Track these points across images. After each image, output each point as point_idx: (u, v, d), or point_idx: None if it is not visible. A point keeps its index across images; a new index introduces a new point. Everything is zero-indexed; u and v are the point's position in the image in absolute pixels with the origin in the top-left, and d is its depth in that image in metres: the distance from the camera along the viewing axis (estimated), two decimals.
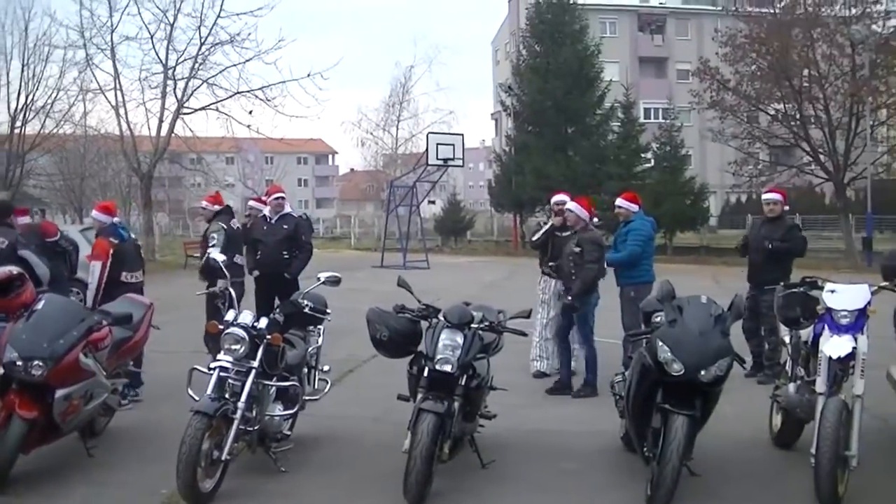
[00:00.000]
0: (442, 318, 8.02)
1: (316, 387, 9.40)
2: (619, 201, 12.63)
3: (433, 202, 63.25)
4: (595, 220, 12.33)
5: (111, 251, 11.13)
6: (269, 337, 7.83)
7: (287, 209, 12.93)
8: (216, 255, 9.32)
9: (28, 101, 36.44)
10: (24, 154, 37.45)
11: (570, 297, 11.25)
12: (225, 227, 12.17)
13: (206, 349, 11.64)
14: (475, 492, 7.90)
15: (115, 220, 11.65)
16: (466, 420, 8.02)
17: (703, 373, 7.13)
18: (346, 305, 9.71)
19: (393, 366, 9.33)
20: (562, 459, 8.84)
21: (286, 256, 12.56)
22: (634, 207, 12.43)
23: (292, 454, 8.50)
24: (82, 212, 52.66)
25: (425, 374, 7.77)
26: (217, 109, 36.41)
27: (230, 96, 35.95)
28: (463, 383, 7.75)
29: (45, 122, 37.66)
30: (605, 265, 11.85)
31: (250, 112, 36.16)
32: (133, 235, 11.80)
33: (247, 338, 7.73)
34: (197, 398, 7.58)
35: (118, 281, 11.07)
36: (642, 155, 46.42)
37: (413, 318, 8.30)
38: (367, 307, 8.80)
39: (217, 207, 12.48)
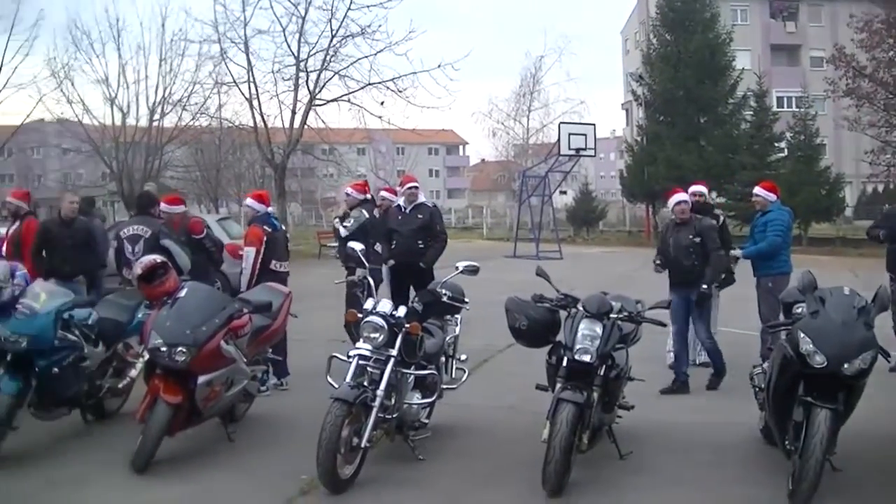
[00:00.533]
0: (581, 308, 7.96)
1: (453, 376, 9.41)
2: (756, 190, 12.35)
3: (564, 192, 62.84)
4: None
5: (264, 239, 11.34)
6: (407, 326, 7.86)
7: (421, 199, 12.95)
8: (355, 244, 9.37)
9: (166, 95, 37.35)
10: (162, 146, 38.34)
11: (704, 287, 10.92)
12: (367, 214, 12.30)
13: (349, 337, 11.83)
14: (613, 483, 7.83)
15: (269, 209, 11.85)
16: (605, 410, 7.95)
17: (846, 366, 6.94)
18: (480, 295, 9.71)
19: (528, 355, 9.32)
20: (699, 451, 8.71)
21: (421, 246, 12.57)
22: (772, 197, 12.14)
23: (429, 442, 8.55)
24: (218, 202, 53.69)
25: (564, 363, 7.73)
26: (349, 101, 36.65)
27: (361, 88, 36.15)
28: (602, 373, 7.70)
29: (181, 114, 38.55)
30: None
31: (382, 103, 36.30)
32: (285, 227, 11.98)
33: (386, 326, 7.78)
34: (336, 385, 7.66)
35: (267, 269, 11.29)
36: (776, 144, 45.35)
37: (552, 308, 8.26)
38: (500, 297, 8.78)
39: (362, 196, 12.61)
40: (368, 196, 12.86)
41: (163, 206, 11.98)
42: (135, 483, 7.81)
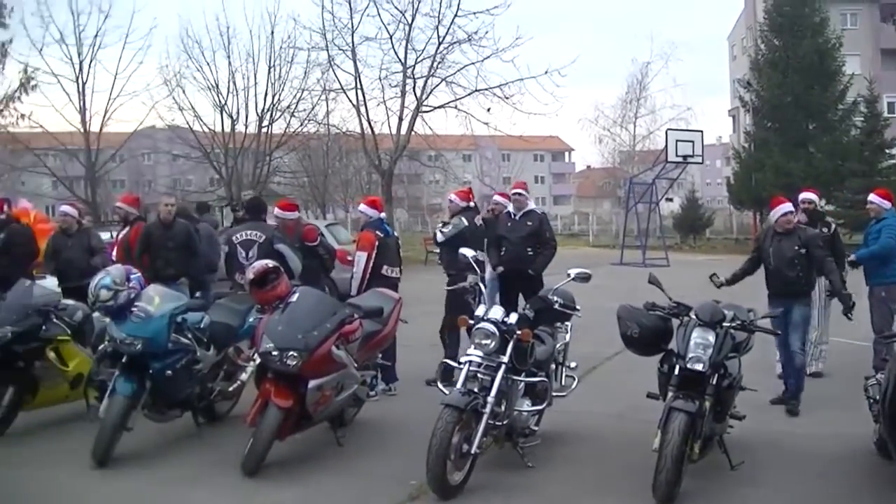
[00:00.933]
0: (693, 317, 7.86)
1: (563, 383, 9.34)
2: (871, 197, 12.06)
3: (671, 199, 62.25)
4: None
5: (376, 244, 11.41)
6: (518, 333, 7.82)
7: (530, 205, 12.88)
8: (467, 250, 9.37)
9: (274, 102, 37.79)
10: (271, 152, 38.82)
11: (846, 293, 10.47)
12: (466, 222, 12.28)
13: (442, 344, 11.87)
14: (723, 494, 7.71)
15: (382, 215, 11.92)
16: (716, 420, 7.83)
17: None
18: (588, 302, 9.62)
19: (635, 363, 9.24)
20: (811, 464, 8.54)
21: (530, 253, 12.48)
22: (887, 205, 11.84)
23: (539, 449, 8.48)
24: (325, 207, 54.19)
25: (676, 372, 7.64)
26: (456, 107, 36.72)
27: (468, 94, 36.19)
28: (714, 383, 7.58)
29: (290, 121, 38.96)
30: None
31: (488, 109, 36.28)
32: (396, 233, 12.06)
33: (497, 333, 7.75)
34: (446, 391, 7.67)
35: (378, 274, 11.36)
36: (886, 151, 44.35)
37: (664, 316, 8.17)
38: (607, 304, 8.72)
39: (464, 203, 12.59)
40: (471, 203, 12.81)
41: (277, 211, 12.11)
42: (245, 485, 7.91)
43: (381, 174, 38.83)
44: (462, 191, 12.91)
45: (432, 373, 11.72)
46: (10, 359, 9.62)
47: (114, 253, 12.87)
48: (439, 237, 12.43)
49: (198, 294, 12.61)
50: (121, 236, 12.92)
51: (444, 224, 12.57)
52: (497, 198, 14.37)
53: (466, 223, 12.26)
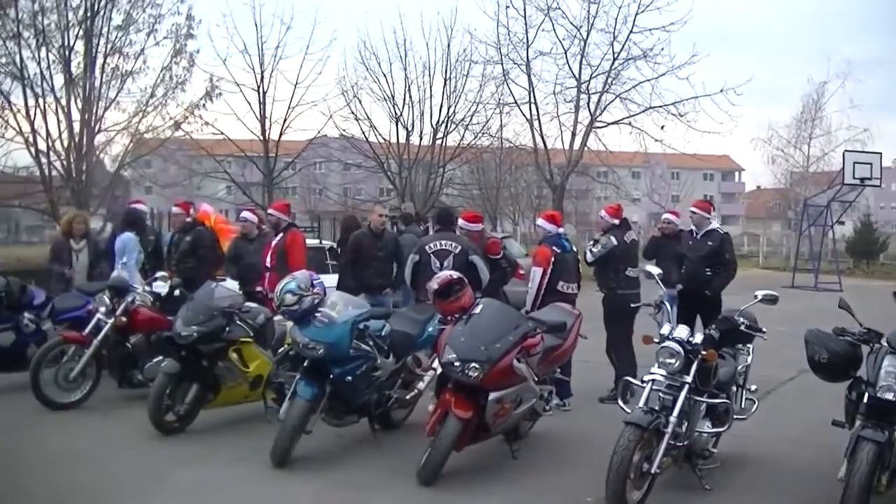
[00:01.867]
0: (885, 344, 7.56)
1: (743, 406, 9.13)
2: None
3: (842, 223, 60.52)
4: None
5: (552, 259, 11.35)
6: (703, 353, 7.66)
7: (713, 225, 12.63)
8: (652, 268, 9.25)
9: (449, 114, 37.95)
10: (444, 164, 39.06)
11: None
12: (615, 241, 12.07)
13: (611, 362, 11.73)
14: None
15: (560, 230, 11.86)
16: None
17: None
18: (761, 325, 9.36)
19: (812, 388, 9.11)
20: None
21: (708, 273, 12.26)
22: None
23: (717, 472, 8.32)
24: (496, 221, 54.32)
25: (865, 400, 7.35)
26: (630, 124, 36.50)
27: (643, 111, 35.88)
28: None
29: (464, 134, 39.12)
30: None
31: (662, 127, 35.92)
32: (574, 248, 11.98)
33: (682, 352, 7.61)
34: (628, 410, 7.55)
35: (554, 289, 11.27)
36: None
37: (854, 342, 7.88)
38: (780, 327, 8.50)
39: (614, 220, 12.38)
40: (615, 221, 12.52)
41: (462, 222, 12.13)
42: (420, 494, 7.98)
43: (552, 189, 38.76)
44: (612, 207, 12.69)
45: (604, 390, 11.66)
46: (194, 358, 9.91)
47: (267, 259, 13.03)
48: (589, 257, 12.24)
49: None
50: (274, 243, 13.04)
51: (595, 242, 12.41)
52: (668, 216, 14.16)
53: (616, 242, 12.03)
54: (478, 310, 8.51)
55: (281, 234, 12.91)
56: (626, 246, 12.12)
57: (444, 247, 11.60)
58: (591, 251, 12.22)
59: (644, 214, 76.40)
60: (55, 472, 8.71)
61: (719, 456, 8.59)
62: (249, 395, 10.36)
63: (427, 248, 11.69)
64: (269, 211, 13.99)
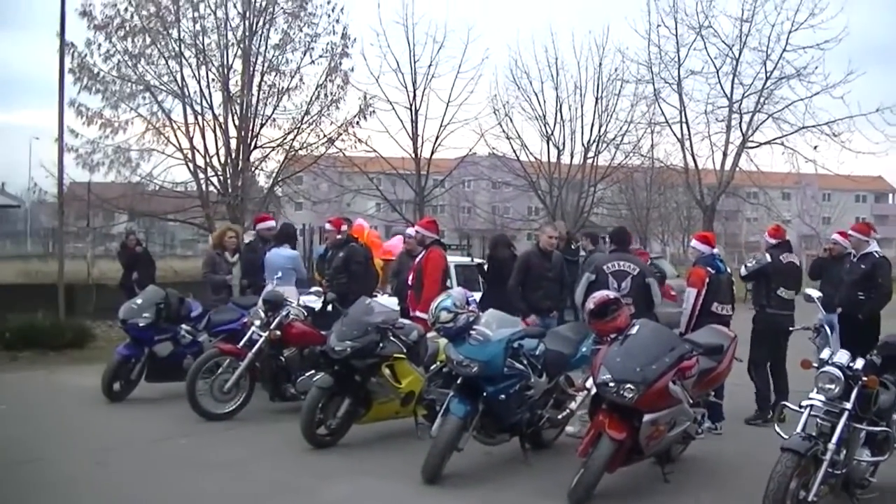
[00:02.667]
0: None
1: None
2: None
3: None
4: None
5: (707, 280, 11.17)
6: (864, 379, 7.38)
7: (871, 248, 12.26)
8: (812, 291, 8.99)
9: (600, 133, 37.74)
10: (595, 184, 38.82)
11: None
12: (770, 258, 11.87)
13: (752, 381, 11.50)
14: None
15: (714, 251, 11.70)
16: None
17: None
18: None
19: None
20: None
21: (861, 297, 11.93)
22: None
23: (875, 503, 7.96)
24: (645, 241, 53.80)
25: None
26: (782, 144, 35.76)
27: (796, 131, 35.10)
28: None
29: (615, 153, 38.86)
30: None
31: (815, 147, 35.11)
32: (728, 269, 11.77)
33: (842, 378, 7.34)
34: (784, 436, 7.32)
35: (709, 311, 11.10)
36: None
37: None
38: None
39: (774, 241, 12.15)
40: (772, 241, 12.27)
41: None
42: None
43: (702, 210, 38.21)
44: (772, 227, 12.55)
45: (751, 411, 11.39)
46: (347, 372, 9.98)
47: (409, 277, 13.05)
48: (742, 271, 12.29)
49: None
50: (417, 261, 13.02)
51: (754, 258, 12.22)
52: (836, 236, 13.89)
53: (770, 259, 11.92)
54: (634, 330, 8.39)
55: (423, 251, 12.92)
56: (780, 265, 11.94)
57: (622, 267, 11.39)
58: (745, 266, 12.27)
59: (794, 236, 74.72)
60: (207, 481, 8.90)
61: (880, 486, 8.25)
62: (401, 412, 10.40)
63: (605, 267, 11.46)
64: (415, 228, 14.04)
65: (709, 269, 11.32)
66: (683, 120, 36.50)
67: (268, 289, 12.71)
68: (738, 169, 36.56)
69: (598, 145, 37.87)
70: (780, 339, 11.70)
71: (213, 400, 11.46)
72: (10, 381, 14.31)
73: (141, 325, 12.50)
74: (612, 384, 7.92)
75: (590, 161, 38.22)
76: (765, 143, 36.34)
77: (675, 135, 37.12)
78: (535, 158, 38.55)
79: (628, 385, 7.85)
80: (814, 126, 34.79)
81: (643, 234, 53.11)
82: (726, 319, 11.12)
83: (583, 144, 37.98)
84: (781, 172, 39.31)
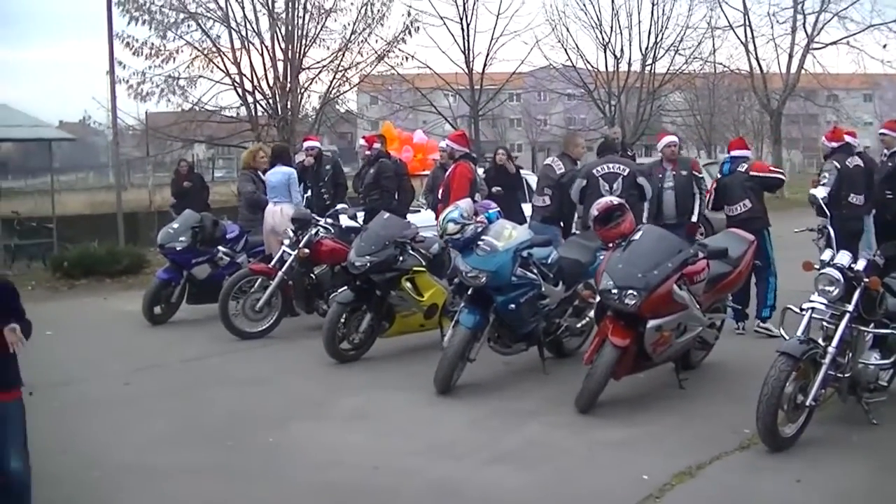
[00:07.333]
0: None
1: None
2: None
3: None
4: None
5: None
6: (866, 280, 7.28)
7: None
8: (816, 191, 8.87)
9: (658, 40, 37.16)
10: (654, 91, 38.29)
11: None
12: (838, 165, 11.48)
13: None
14: None
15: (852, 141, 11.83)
16: None
17: None
18: None
19: None
20: None
21: (889, 196, 11.55)
22: None
23: (885, 407, 7.82)
24: (712, 147, 53.12)
25: None
26: (848, 43, 35.03)
27: (863, 30, 34.36)
28: None
29: (674, 59, 38.26)
30: None
31: (885, 46, 34.30)
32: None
33: (842, 279, 7.23)
34: (787, 338, 7.27)
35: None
36: None
37: None
38: None
39: (834, 144, 11.79)
40: (841, 143, 11.88)
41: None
42: (578, 422, 7.95)
43: (769, 114, 37.68)
44: (829, 132, 12.14)
45: None
46: (368, 287, 10.09)
47: (439, 191, 13.03)
48: (821, 193, 11.30)
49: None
50: (447, 174, 12.96)
51: (825, 173, 11.75)
52: (883, 129, 13.31)
53: (838, 165, 11.39)
54: (637, 236, 8.32)
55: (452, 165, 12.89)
56: (847, 170, 11.41)
57: (612, 170, 11.51)
58: (821, 185, 11.26)
59: (873, 139, 73.23)
60: (227, 396, 9.14)
61: (891, 390, 8.03)
62: (426, 324, 10.50)
63: (595, 171, 11.59)
64: (446, 142, 13.97)
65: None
66: (747, 23, 35.92)
67: (270, 207, 12.91)
68: (804, 71, 35.87)
69: (655, 52, 37.34)
70: (851, 245, 11.41)
71: (246, 319, 11.67)
72: (64, 307, 14.63)
73: (178, 248, 12.71)
74: (614, 291, 7.89)
75: (648, 68, 37.70)
76: (830, 44, 35.63)
77: (738, 38, 36.57)
78: (593, 67, 38.12)
79: (630, 291, 7.80)
80: (881, 24, 34.01)
81: (708, 140, 52.47)
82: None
83: (641, 51, 37.46)
84: (848, 74, 38.47)
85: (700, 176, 12.15)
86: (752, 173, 11.22)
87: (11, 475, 5.27)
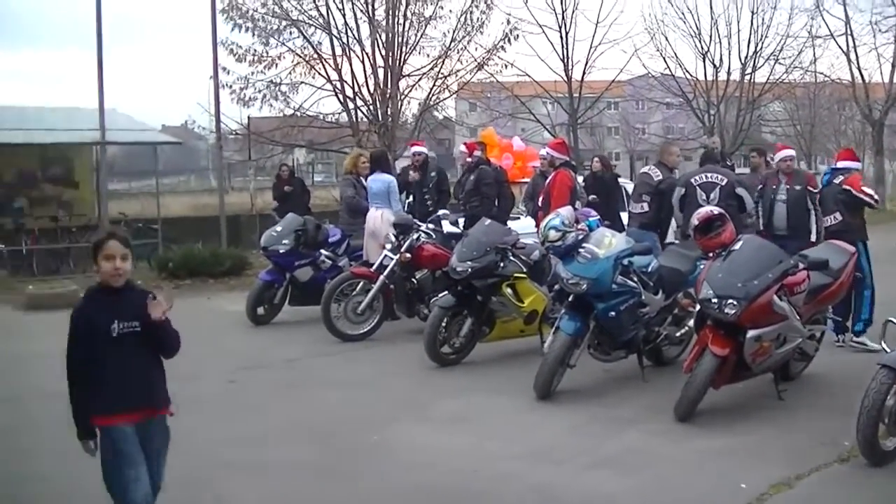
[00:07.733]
0: None
1: None
2: None
3: None
4: None
5: None
6: None
7: None
8: None
9: (758, 49, 36.78)
10: (754, 100, 37.90)
11: None
12: None
13: None
14: None
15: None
16: None
17: None
18: None
19: None
20: None
21: None
22: None
23: None
24: (812, 157, 52.42)
25: None
26: None
27: None
28: None
29: (773, 68, 37.83)
30: None
31: None
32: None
33: None
34: (889, 350, 7.25)
35: None
36: None
37: None
38: None
39: None
40: None
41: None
42: (676, 430, 7.99)
43: (871, 124, 37.09)
44: None
45: None
46: (469, 292, 10.26)
47: (539, 199, 13.13)
48: None
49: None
50: (547, 182, 13.09)
51: None
52: None
53: None
54: (737, 246, 8.35)
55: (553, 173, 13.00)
56: None
57: (710, 179, 11.58)
58: None
59: None
60: (328, 396, 9.39)
61: None
62: (526, 330, 10.62)
63: (693, 180, 11.69)
64: (546, 150, 14.08)
65: None
66: (848, 32, 35.36)
67: (371, 213, 13.13)
68: None
69: (755, 61, 36.95)
70: None
71: (348, 322, 11.90)
72: None
73: (281, 251, 12.99)
74: (714, 300, 7.94)
75: (747, 77, 37.33)
76: None
77: (839, 47, 36.02)
78: (692, 76, 37.86)
79: (730, 301, 7.85)
80: None
81: (808, 150, 51.74)
82: None
83: (740, 60, 37.12)
84: None
85: (815, 192, 12.01)
86: (844, 187, 11.18)
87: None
